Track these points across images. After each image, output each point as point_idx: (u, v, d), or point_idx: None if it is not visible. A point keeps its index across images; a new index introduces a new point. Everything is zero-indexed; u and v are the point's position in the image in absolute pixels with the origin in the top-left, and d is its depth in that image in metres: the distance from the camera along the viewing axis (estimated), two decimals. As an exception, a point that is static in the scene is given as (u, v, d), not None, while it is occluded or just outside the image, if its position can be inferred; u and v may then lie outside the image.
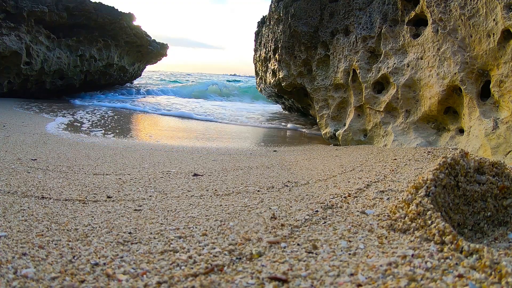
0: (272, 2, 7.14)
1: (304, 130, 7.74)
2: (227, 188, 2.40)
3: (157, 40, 16.38)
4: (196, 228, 1.54)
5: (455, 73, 3.50)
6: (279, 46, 6.43)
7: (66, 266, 1.17)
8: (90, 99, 13.04)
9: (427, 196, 1.41)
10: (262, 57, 8.49)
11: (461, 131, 3.69)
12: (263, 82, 8.88)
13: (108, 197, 2.13)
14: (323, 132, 5.55)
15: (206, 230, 1.50)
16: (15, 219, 1.65)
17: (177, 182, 2.59)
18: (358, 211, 1.69)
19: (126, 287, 1.04)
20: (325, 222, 1.55)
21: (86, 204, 1.98)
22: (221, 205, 1.93)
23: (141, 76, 20.79)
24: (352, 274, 1.05)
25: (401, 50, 4.31)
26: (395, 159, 3.31)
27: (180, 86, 22.04)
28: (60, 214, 1.76)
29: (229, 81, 28.49)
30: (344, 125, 5.16)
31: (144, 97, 15.87)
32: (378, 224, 1.48)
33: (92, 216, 1.73)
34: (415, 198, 1.43)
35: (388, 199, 1.89)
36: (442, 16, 3.56)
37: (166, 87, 20.89)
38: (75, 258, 1.24)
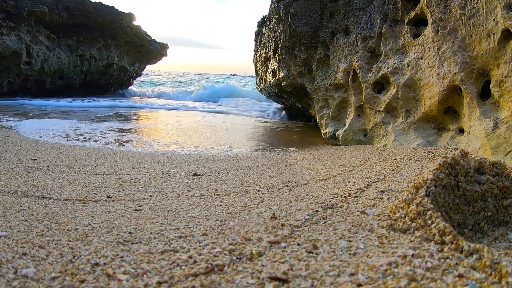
0: (272, 2, 7.14)
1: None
2: (227, 188, 2.40)
3: (157, 40, 16.37)
4: (196, 228, 1.54)
5: (455, 73, 3.50)
6: (279, 46, 6.42)
7: (66, 266, 1.17)
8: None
9: (427, 196, 1.40)
10: (262, 57, 8.48)
11: (461, 131, 3.69)
12: (263, 82, 8.88)
13: (108, 197, 2.12)
14: (323, 132, 5.55)
15: (206, 230, 1.50)
16: (15, 219, 1.65)
17: (177, 182, 2.59)
18: (358, 211, 1.69)
19: (127, 287, 1.04)
20: (325, 222, 1.55)
21: (86, 204, 1.97)
22: (221, 205, 1.93)
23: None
24: (352, 274, 1.05)
25: (401, 50, 4.31)
26: (395, 159, 3.30)
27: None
28: (60, 214, 1.76)
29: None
30: (344, 125, 5.16)
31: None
32: (378, 224, 1.48)
33: (92, 216, 1.73)
34: (415, 198, 1.43)
35: (388, 199, 1.89)
36: (442, 16, 3.56)
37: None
38: (75, 258, 1.24)
